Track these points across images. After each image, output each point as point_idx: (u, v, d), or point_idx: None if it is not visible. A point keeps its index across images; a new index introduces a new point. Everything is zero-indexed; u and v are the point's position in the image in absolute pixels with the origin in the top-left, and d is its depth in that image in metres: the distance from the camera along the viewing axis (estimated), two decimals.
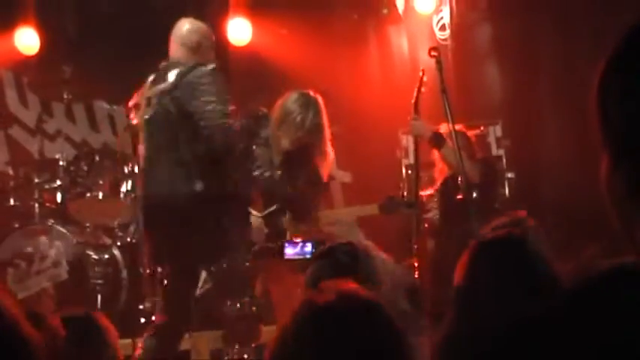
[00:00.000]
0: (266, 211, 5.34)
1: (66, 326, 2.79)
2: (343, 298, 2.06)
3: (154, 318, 6.77)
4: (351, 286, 2.20)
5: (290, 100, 5.24)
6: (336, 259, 2.99)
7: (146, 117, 4.99)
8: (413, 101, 5.40)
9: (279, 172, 5.26)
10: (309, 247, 3.27)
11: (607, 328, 0.99)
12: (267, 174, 5.28)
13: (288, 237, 5.24)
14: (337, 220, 5.89)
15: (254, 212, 5.32)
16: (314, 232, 6.73)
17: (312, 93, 5.29)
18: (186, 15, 7.95)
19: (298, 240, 3.38)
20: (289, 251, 3.33)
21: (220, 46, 7.65)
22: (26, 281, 6.81)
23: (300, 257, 3.29)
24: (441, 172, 6.04)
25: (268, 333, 5.61)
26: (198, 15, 7.94)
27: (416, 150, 5.48)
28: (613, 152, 1.08)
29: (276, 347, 2.01)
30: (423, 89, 5.41)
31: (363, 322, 2.01)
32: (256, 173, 5.28)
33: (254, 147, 5.22)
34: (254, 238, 5.29)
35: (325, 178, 5.40)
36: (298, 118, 5.16)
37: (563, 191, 7.23)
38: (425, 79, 5.43)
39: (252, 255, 5.30)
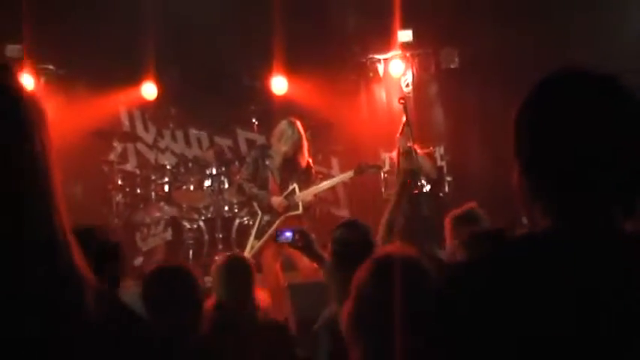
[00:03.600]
0: (286, 192, 5.39)
1: (166, 274, 2.61)
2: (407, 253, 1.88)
3: None
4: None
5: (282, 124, 5.42)
6: (358, 224, 2.93)
7: None
8: (400, 129, 5.30)
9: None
10: (290, 235, 3.19)
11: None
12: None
13: (301, 205, 5.37)
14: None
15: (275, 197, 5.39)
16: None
17: (293, 119, 5.43)
18: (245, 74, 7.93)
19: (284, 229, 3.31)
20: (279, 238, 3.26)
21: (267, 95, 7.67)
22: (147, 240, 6.89)
23: (285, 241, 3.24)
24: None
25: (289, 277, 5.48)
26: (253, 75, 7.92)
27: (398, 158, 5.38)
28: (522, 165, 1.05)
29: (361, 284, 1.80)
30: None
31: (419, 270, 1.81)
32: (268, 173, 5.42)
33: (267, 162, 5.44)
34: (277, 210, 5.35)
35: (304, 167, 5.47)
36: (289, 133, 5.33)
37: (484, 189, 7.13)
38: (405, 118, 5.35)
39: (280, 223, 5.31)
